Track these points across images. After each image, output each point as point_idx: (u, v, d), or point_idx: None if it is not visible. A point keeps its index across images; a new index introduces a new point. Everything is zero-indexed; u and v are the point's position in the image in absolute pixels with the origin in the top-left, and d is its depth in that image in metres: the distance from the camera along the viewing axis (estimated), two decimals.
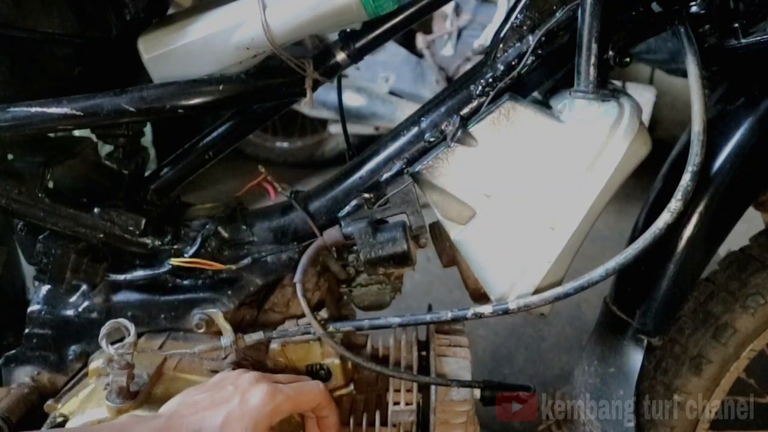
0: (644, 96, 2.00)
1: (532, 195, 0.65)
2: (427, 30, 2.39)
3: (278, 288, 0.77)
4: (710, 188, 0.66)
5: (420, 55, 2.36)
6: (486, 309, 0.67)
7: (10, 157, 0.75)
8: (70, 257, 0.74)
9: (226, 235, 0.76)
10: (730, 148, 0.66)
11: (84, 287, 0.79)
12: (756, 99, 0.68)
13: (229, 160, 0.91)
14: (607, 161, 0.63)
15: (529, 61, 0.66)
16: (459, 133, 0.65)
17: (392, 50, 2.30)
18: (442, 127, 0.69)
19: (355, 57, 0.73)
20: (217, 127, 0.83)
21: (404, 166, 0.70)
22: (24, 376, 0.81)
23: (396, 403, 0.78)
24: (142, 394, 0.68)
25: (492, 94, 0.68)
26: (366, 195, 0.71)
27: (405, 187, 0.70)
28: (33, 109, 0.67)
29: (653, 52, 2.01)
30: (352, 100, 2.23)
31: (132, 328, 0.66)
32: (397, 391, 0.78)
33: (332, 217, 0.73)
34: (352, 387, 0.79)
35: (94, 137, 0.78)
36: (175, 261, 0.75)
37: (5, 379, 0.81)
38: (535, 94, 0.72)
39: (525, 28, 0.66)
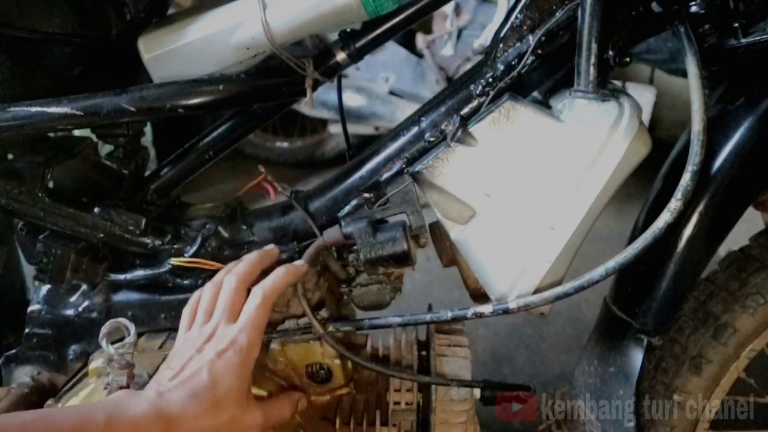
0: (644, 96, 2.00)
1: (532, 195, 0.65)
2: (427, 30, 2.38)
3: None
4: (710, 188, 0.66)
5: (420, 55, 2.36)
6: (486, 309, 0.67)
7: (10, 157, 0.75)
8: (70, 257, 0.74)
9: (226, 234, 0.77)
10: (730, 148, 0.66)
11: (84, 287, 0.79)
12: (756, 99, 0.68)
13: (229, 160, 0.92)
14: (607, 161, 0.63)
15: (529, 61, 0.66)
16: (459, 133, 0.65)
17: (392, 50, 2.30)
18: (442, 126, 0.69)
19: (355, 57, 0.73)
20: (217, 127, 0.83)
21: (404, 166, 0.70)
22: (24, 375, 0.81)
23: (396, 403, 0.78)
24: None
25: (492, 93, 0.68)
26: (366, 195, 0.71)
27: (405, 187, 0.70)
28: (33, 109, 0.67)
29: (653, 52, 2.01)
30: (352, 100, 2.23)
31: (132, 327, 0.66)
32: (397, 390, 0.78)
33: (332, 217, 0.73)
34: (352, 387, 0.79)
35: (94, 137, 0.78)
36: (175, 261, 0.75)
37: (5, 379, 0.81)
38: (535, 94, 0.72)
39: (525, 28, 0.66)
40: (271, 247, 0.71)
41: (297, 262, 0.70)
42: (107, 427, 0.52)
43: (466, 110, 0.69)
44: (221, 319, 0.64)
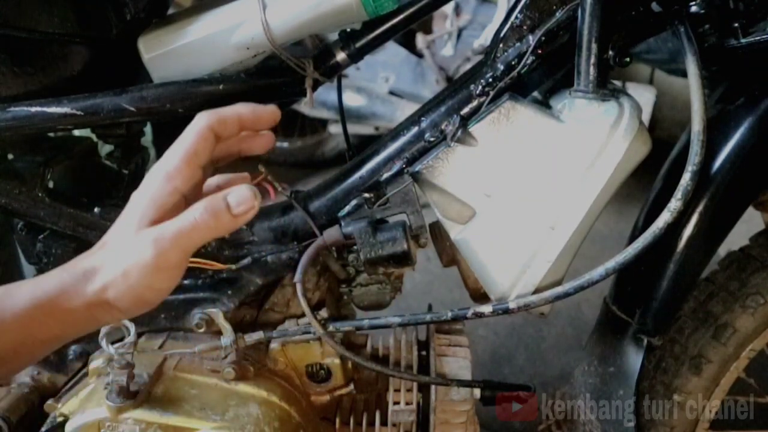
0: (644, 96, 2.00)
1: (532, 195, 0.65)
2: (427, 30, 2.38)
3: (278, 288, 0.77)
4: (710, 188, 0.66)
5: (420, 55, 2.36)
6: (486, 309, 0.67)
7: (10, 157, 0.75)
8: (70, 257, 0.74)
9: (225, 234, 0.76)
10: (730, 148, 0.66)
11: None
12: (756, 99, 0.68)
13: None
14: (607, 161, 0.63)
15: (529, 61, 0.66)
16: (459, 133, 0.65)
17: (392, 50, 2.30)
18: (442, 126, 0.69)
19: (355, 57, 0.73)
20: None
21: (404, 166, 0.70)
22: (24, 375, 0.81)
23: (396, 403, 0.78)
24: (142, 394, 0.68)
25: (492, 93, 0.68)
26: (366, 195, 0.71)
27: (405, 187, 0.70)
28: (33, 109, 0.67)
29: (653, 52, 2.01)
30: (352, 100, 2.23)
31: (132, 327, 0.66)
32: (397, 390, 0.78)
33: (332, 217, 0.73)
34: (352, 387, 0.79)
35: (94, 137, 0.78)
36: None
37: None
38: (535, 94, 0.72)
39: (525, 27, 0.66)
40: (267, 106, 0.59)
41: (267, 106, 0.58)
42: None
43: (466, 110, 0.69)
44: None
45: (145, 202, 0.51)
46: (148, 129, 1.70)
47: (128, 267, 0.49)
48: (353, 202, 0.72)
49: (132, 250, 0.49)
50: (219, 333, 0.73)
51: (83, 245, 0.75)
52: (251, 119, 0.57)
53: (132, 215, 0.51)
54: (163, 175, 0.51)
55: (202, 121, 0.54)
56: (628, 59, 0.65)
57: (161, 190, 0.51)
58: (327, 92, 2.12)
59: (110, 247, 0.51)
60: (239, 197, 0.51)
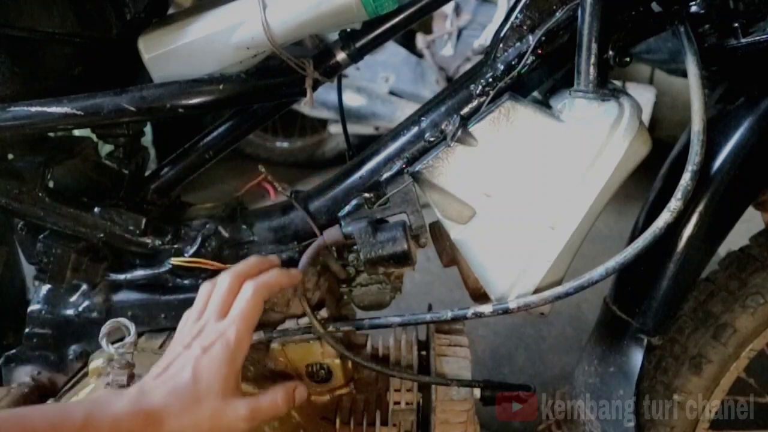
0: (644, 96, 2.00)
1: (532, 195, 0.65)
2: (427, 30, 2.39)
3: None
4: (710, 188, 0.66)
5: (420, 55, 2.36)
6: (486, 309, 0.67)
7: (10, 156, 0.75)
8: (70, 257, 0.74)
9: (226, 234, 0.77)
10: (730, 148, 0.66)
11: (84, 287, 0.79)
12: (756, 99, 0.68)
13: (229, 160, 0.92)
14: (607, 161, 0.63)
15: (529, 61, 0.66)
16: (459, 133, 0.65)
17: (392, 50, 2.30)
18: (442, 126, 0.69)
19: (355, 57, 0.73)
20: (217, 127, 0.83)
21: (404, 166, 0.70)
22: (24, 375, 0.81)
23: (396, 403, 0.78)
24: None
25: (492, 93, 0.68)
26: (366, 194, 0.71)
27: (405, 187, 0.70)
28: (33, 109, 0.67)
29: (653, 52, 2.01)
30: (352, 100, 2.23)
31: (132, 327, 0.66)
32: (398, 390, 0.79)
33: (332, 217, 0.73)
34: (352, 387, 0.79)
35: (94, 137, 0.78)
36: (175, 260, 0.75)
37: (5, 379, 0.82)
38: (535, 94, 0.72)
39: (525, 27, 0.66)
40: (273, 256, 0.71)
41: (293, 270, 0.69)
42: (85, 424, 0.51)
43: (466, 110, 0.69)
44: (212, 315, 0.63)
45: (230, 370, 0.59)
46: (148, 129, 1.70)
47: (220, 422, 0.58)
48: (353, 202, 0.72)
49: (225, 413, 0.58)
50: None
51: (83, 245, 0.75)
52: (287, 285, 0.68)
53: (214, 381, 0.58)
54: (236, 345, 0.60)
55: (259, 293, 0.63)
56: (628, 59, 0.65)
57: (237, 359, 0.60)
58: (327, 92, 2.12)
59: (196, 401, 0.57)
60: (301, 395, 0.66)
